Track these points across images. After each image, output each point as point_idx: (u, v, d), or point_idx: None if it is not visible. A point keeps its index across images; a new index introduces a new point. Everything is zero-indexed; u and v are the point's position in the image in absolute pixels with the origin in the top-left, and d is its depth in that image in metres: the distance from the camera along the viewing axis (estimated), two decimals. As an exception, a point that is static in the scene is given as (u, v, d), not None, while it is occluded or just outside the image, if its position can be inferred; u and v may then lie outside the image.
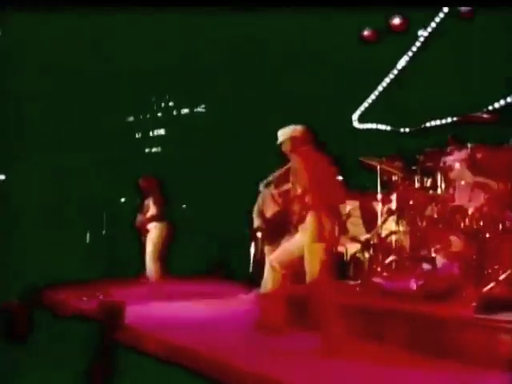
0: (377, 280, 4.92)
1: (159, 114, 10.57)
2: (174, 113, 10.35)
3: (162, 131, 10.58)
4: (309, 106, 7.81)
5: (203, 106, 9.82)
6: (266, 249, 6.32)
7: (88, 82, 8.72)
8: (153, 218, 6.62)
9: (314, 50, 7.79)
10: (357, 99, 8.13)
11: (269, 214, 6.32)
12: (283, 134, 4.23)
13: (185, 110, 10.18)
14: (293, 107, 8.08)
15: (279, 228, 6.03)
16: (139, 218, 6.70)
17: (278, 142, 4.22)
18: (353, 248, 6.02)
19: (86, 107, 8.86)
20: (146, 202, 6.76)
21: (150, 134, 10.66)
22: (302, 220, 4.01)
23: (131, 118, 10.75)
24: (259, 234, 6.52)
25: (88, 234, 7.39)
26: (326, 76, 7.94)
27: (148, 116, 10.68)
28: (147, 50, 8.44)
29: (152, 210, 6.66)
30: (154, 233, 6.61)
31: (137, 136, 10.80)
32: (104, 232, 6.99)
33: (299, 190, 4.01)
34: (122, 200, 7.21)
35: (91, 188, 8.67)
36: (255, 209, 6.46)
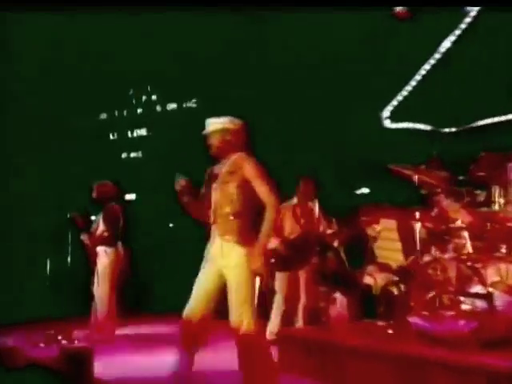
0: (414, 320, 4.82)
1: (139, 111, 10.61)
2: (158, 108, 10.39)
3: (142, 131, 10.65)
4: (328, 103, 7.98)
5: (194, 100, 9.87)
6: (278, 276, 6.39)
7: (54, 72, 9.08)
8: (101, 240, 6.49)
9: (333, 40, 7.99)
10: (387, 93, 8.11)
11: (287, 231, 6.42)
12: (215, 123, 4.33)
13: (171, 106, 10.24)
14: (306, 104, 8.25)
15: (298, 253, 6.28)
16: (84, 237, 6.55)
17: (206, 131, 4.33)
18: (383, 279, 6.04)
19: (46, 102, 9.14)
20: (98, 216, 6.66)
21: (128, 134, 10.65)
22: None
23: (103, 116, 10.80)
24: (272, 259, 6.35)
25: (48, 261, 7.25)
26: (346, 68, 8.06)
27: (125, 113, 10.70)
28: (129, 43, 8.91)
29: (101, 229, 6.52)
30: (103, 260, 6.49)
31: (111, 137, 10.80)
32: (69, 258, 6.80)
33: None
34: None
35: (53, 202, 8.72)
36: None
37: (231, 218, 4.18)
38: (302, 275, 6.48)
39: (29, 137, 8.81)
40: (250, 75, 8.57)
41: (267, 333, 6.30)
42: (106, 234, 6.50)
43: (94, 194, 6.67)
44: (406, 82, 8.08)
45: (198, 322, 4.14)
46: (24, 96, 8.80)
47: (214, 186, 4.29)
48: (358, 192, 7.27)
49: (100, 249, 6.51)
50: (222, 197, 4.23)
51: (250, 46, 8.67)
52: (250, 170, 4.22)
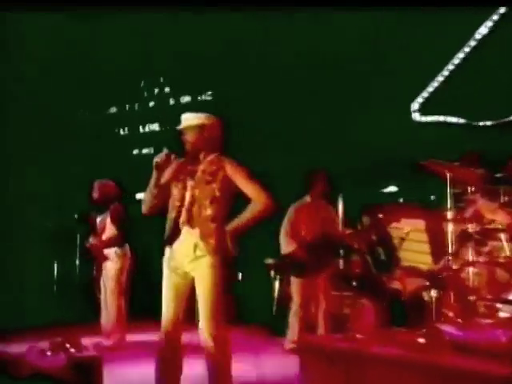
0: (447, 328, 4.75)
1: (151, 104, 10.62)
2: (171, 102, 10.38)
3: (155, 126, 10.63)
4: (353, 95, 8.01)
5: (209, 93, 9.82)
6: (296, 282, 6.40)
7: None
8: (111, 242, 6.49)
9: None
10: (417, 84, 8.08)
11: (303, 233, 6.39)
12: (190, 118, 4.38)
13: (185, 99, 10.23)
14: (327, 96, 8.29)
15: (317, 256, 6.31)
16: (92, 239, 6.59)
17: (181, 126, 4.38)
18: (413, 284, 5.89)
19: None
20: (101, 217, 6.67)
21: (140, 129, 10.68)
22: None
23: (113, 110, 10.84)
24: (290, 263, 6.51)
25: (55, 264, 7.25)
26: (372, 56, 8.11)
27: (136, 106, 10.72)
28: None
29: (110, 230, 6.53)
30: (114, 262, 6.50)
31: (121, 133, 10.84)
32: (77, 261, 6.83)
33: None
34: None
35: (59, 202, 8.78)
36: (285, 227, 6.42)
37: (211, 221, 4.19)
38: (321, 278, 6.47)
39: (31, 135, 9.01)
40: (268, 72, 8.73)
41: (286, 341, 6.41)
42: (115, 234, 6.51)
43: (96, 194, 6.68)
44: (437, 73, 8.01)
45: (178, 332, 4.23)
46: (25, 94, 9.09)
47: (191, 183, 4.28)
48: (386, 191, 7.14)
49: (109, 251, 6.51)
50: (203, 198, 4.23)
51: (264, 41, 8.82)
52: (233, 170, 4.27)
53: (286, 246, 6.42)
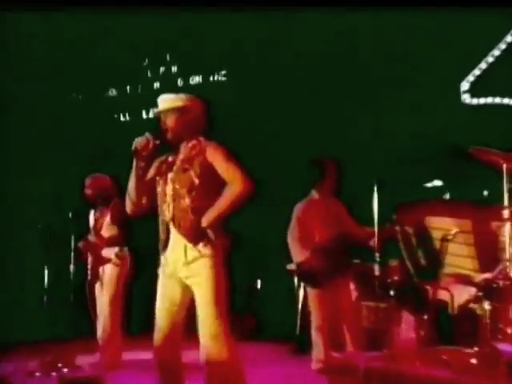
0: (504, 347, 4.71)
1: (156, 85, 10.54)
2: (179, 83, 10.30)
3: None
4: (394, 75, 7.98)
5: (224, 72, 9.78)
6: (314, 294, 6.31)
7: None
8: (113, 241, 6.53)
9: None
10: (467, 62, 7.98)
11: (316, 236, 6.26)
12: (170, 99, 4.37)
13: (196, 79, 10.18)
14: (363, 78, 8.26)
15: (336, 261, 6.22)
16: (91, 238, 6.64)
17: (159, 109, 4.38)
18: (462, 294, 5.80)
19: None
20: (97, 214, 6.74)
21: (143, 114, 10.55)
22: None
23: (113, 92, 10.81)
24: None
25: (45, 269, 7.22)
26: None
27: (139, 88, 10.68)
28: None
29: (109, 229, 6.57)
30: (114, 266, 6.53)
31: (122, 118, 10.78)
32: (72, 266, 6.81)
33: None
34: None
35: (49, 199, 9.01)
36: (293, 231, 6.30)
37: (190, 213, 4.15)
38: (342, 286, 6.40)
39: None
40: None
41: (313, 361, 6.33)
42: (115, 235, 6.57)
43: (90, 191, 6.74)
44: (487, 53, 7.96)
45: (171, 348, 4.22)
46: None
47: (170, 175, 4.27)
48: (429, 185, 6.93)
49: (108, 253, 6.54)
50: (180, 187, 4.20)
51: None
52: (213, 152, 4.20)
53: (298, 253, 6.27)
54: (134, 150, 4.22)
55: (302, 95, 8.67)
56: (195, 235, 4.16)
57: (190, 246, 4.15)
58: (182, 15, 8.87)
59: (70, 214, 6.70)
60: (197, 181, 4.19)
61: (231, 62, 9.64)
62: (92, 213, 6.89)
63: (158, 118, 4.42)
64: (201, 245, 4.15)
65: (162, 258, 4.29)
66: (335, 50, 8.52)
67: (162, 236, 4.29)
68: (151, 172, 4.39)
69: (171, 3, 8.37)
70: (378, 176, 6.10)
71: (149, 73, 10.49)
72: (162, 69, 10.42)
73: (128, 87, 10.57)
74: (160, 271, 4.32)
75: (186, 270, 4.16)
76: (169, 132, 4.34)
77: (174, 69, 10.34)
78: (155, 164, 4.42)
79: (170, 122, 4.33)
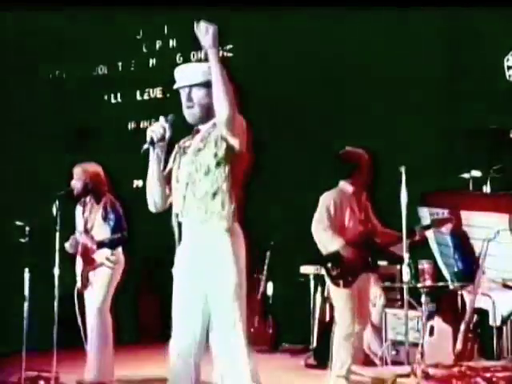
0: None
1: (152, 62, 10.37)
2: (178, 59, 10.15)
3: (156, 91, 10.51)
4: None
5: (230, 46, 9.60)
6: (344, 295, 5.87)
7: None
8: (105, 243, 6.28)
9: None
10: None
11: (349, 230, 5.90)
12: (198, 71, 4.07)
13: (197, 55, 9.98)
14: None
15: (361, 261, 5.83)
16: (80, 238, 6.36)
17: (187, 82, 4.09)
18: (507, 302, 5.88)
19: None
20: (87, 212, 6.48)
21: (137, 96, 10.49)
22: None
23: (102, 70, 10.64)
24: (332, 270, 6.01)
25: (27, 274, 6.66)
26: None
27: (132, 65, 10.55)
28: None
29: (102, 229, 6.28)
30: (106, 270, 6.30)
31: (112, 101, 10.65)
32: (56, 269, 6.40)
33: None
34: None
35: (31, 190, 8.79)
36: (322, 221, 5.91)
37: (210, 197, 3.93)
38: (365, 291, 6.02)
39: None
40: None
41: (331, 376, 5.92)
42: (108, 235, 6.28)
43: (79, 183, 6.40)
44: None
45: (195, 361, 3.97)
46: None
47: (184, 160, 4.05)
48: (466, 176, 6.83)
49: (100, 255, 6.25)
50: (195, 171, 3.96)
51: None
52: (229, 124, 3.84)
53: (330, 241, 5.86)
54: (150, 140, 3.96)
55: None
56: (216, 219, 3.94)
57: (208, 238, 3.94)
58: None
59: (54, 209, 6.26)
60: (213, 160, 3.94)
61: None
62: (79, 209, 6.58)
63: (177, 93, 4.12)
64: (223, 230, 3.93)
65: (177, 255, 4.08)
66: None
67: (175, 230, 4.10)
68: (170, 162, 4.16)
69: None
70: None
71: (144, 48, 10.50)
72: (158, 43, 10.43)
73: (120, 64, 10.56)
74: (174, 270, 4.09)
75: (201, 264, 3.95)
76: (195, 108, 4.03)
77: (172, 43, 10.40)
78: (175, 152, 4.18)
79: (199, 97, 4.01)
